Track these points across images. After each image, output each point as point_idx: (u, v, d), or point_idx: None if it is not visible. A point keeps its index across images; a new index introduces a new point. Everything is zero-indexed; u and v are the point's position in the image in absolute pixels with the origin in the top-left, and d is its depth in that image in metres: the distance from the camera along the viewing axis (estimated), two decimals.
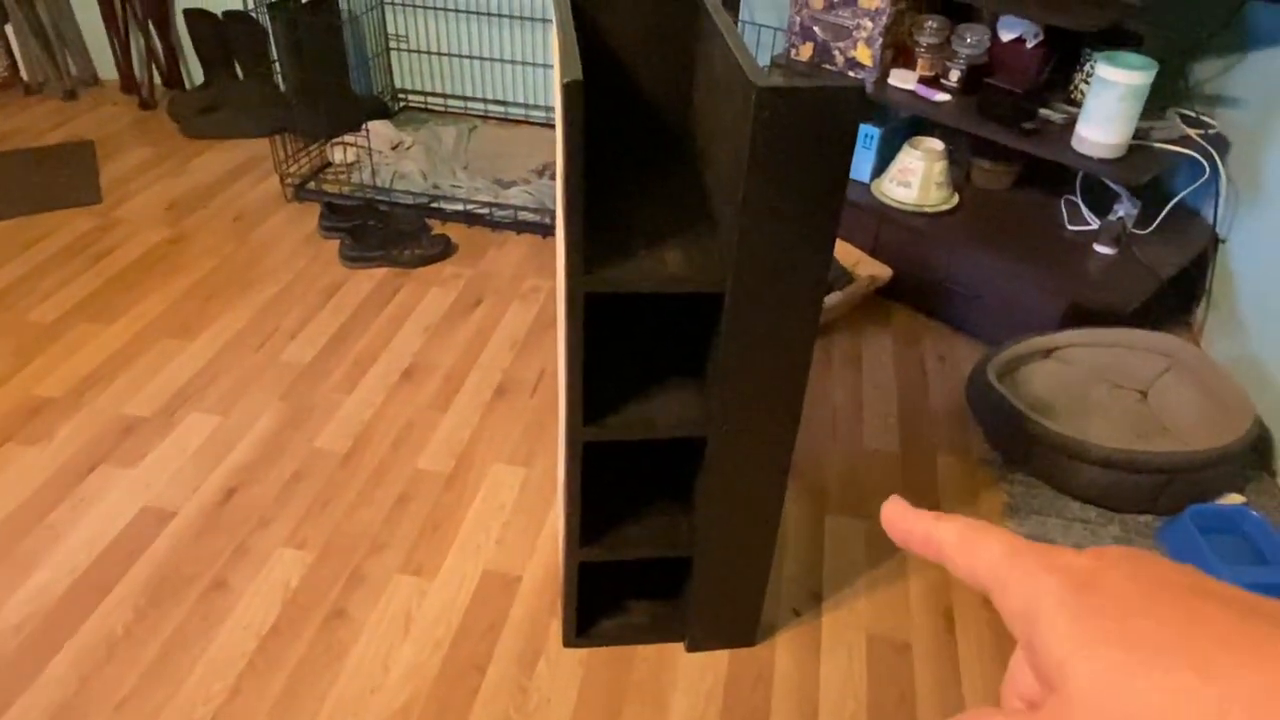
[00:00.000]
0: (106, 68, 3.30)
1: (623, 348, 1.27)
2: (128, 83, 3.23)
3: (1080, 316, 1.98)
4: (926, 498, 1.75)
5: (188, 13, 3.01)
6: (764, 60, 2.38)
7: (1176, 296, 2.20)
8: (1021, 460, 1.79)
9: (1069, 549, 0.26)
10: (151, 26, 3.14)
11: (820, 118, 0.92)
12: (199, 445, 1.77)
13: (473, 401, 1.92)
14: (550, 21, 2.88)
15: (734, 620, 1.42)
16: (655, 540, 1.31)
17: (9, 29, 3.17)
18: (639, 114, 1.28)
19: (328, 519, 1.63)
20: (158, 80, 3.26)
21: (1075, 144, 1.95)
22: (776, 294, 1.04)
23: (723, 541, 1.29)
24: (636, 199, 1.19)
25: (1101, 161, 1.93)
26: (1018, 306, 2.06)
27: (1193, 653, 0.21)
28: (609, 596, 1.49)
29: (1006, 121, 2.07)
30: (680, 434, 1.17)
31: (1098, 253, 2.10)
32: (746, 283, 1.03)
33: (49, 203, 2.55)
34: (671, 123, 1.28)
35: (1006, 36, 2.18)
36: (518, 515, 1.66)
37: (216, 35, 3.04)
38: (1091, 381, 1.93)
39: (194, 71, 3.25)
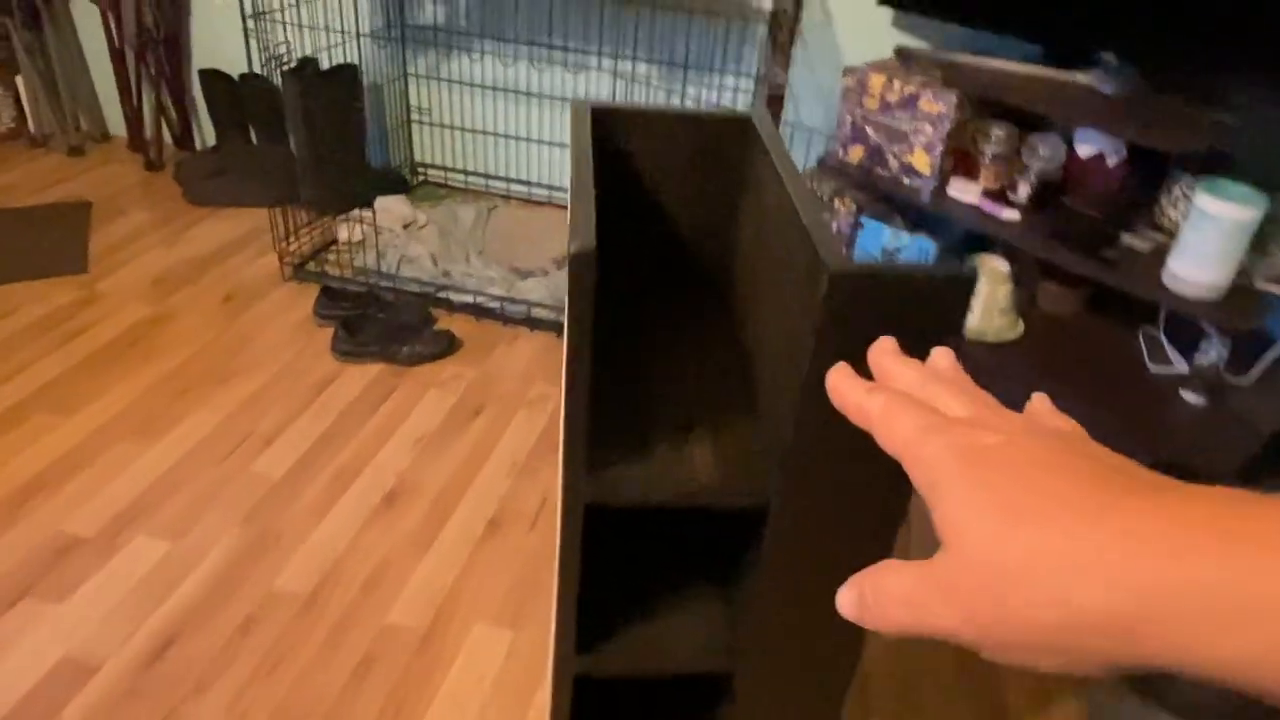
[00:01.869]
0: (118, 124, 3.16)
1: (626, 543, 1.02)
2: (136, 141, 3.08)
3: (1170, 477, 1.71)
4: (989, 699, 1.47)
5: (203, 73, 2.87)
6: (809, 161, 2.18)
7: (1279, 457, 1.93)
8: None
9: (979, 425, 0.30)
10: (165, 84, 3.00)
11: (911, 311, 0.68)
12: (140, 578, 1.53)
13: (461, 537, 1.67)
14: None
15: None
16: None
17: (19, 80, 3.04)
18: (670, 243, 1.05)
19: (276, 685, 1.37)
20: (169, 139, 3.11)
21: (1167, 280, 1.71)
22: (837, 516, 0.79)
23: None
24: (660, 357, 0.95)
25: (1198, 303, 1.68)
26: None
27: (1059, 517, 0.25)
28: None
29: (1084, 248, 1.83)
30: (700, 669, 0.91)
31: (1186, 401, 1.84)
32: (798, 501, 0.78)
33: (30, 270, 2.37)
34: (708, 259, 1.05)
35: (1084, 152, 1.96)
36: (499, 693, 1.39)
37: (231, 97, 2.89)
38: None
39: (207, 132, 3.10)
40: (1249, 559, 0.23)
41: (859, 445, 0.68)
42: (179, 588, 1.52)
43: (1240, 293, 1.70)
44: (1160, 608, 0.23)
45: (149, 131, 3.07)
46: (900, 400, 0.33)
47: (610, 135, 0.97)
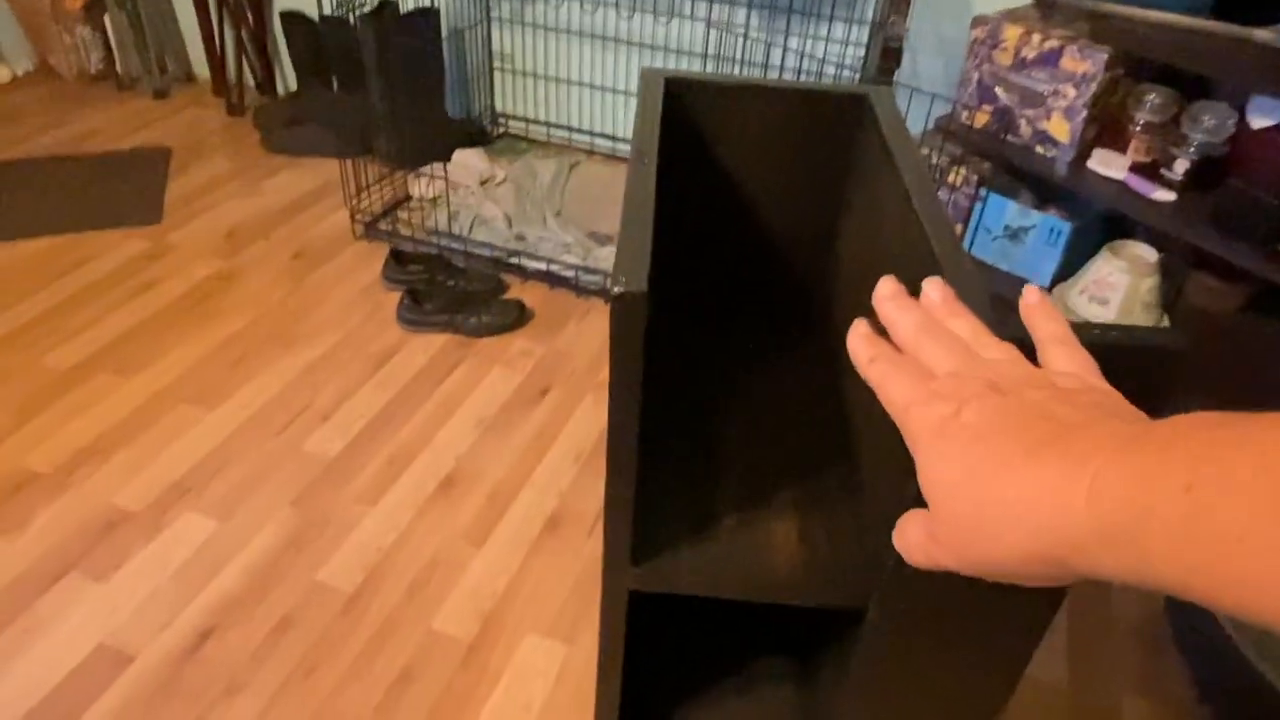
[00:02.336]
0: (203, 66, 3.10)
1: (684, 610, 0.86)
2: (219, 84, 3.01)
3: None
4: None
5: (284, 15, 2.76)
6: (926, 125, 1.93)
7: None
8: None
9: (944, 394, 0.34)
10: (246, 26, 2.91)
11: None
12: (184, 560, 1.46)
13: (516, 535, 1.55)
14: (673, 52, 2.49)
15: None
16: None
17: (108, 20, 3.00)
18: (758, 251, 0.87)
19: (310, 695, 1.28)
20: (252, 83, 3.04)
21: None
22: (954, 637, 0.61)
23: None
24: (738, 402, 0.78)
25: None
26: None
27: (990, 479, 0.30)
28: None
29: (1253, 238, 1.55)
30: None
31: None
32: (907, 614, 0.60)
33: (105, 219, 2.33)
34: (804, 273, 0.87)
35: (1259, 123, 1.66)
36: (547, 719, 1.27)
37: (311, 41, 2.78)
38: None
39: (290, 77, 3.01)
40: (1108, 500, 0.27)
41: None
42: (221, 573, 1.45)
43: None
44: (1060, 542, 0.28)
45: (232, 75, 3.01)
46: (891, 371, 0.37)
47: (690, 112, 0.78)
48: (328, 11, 2.26)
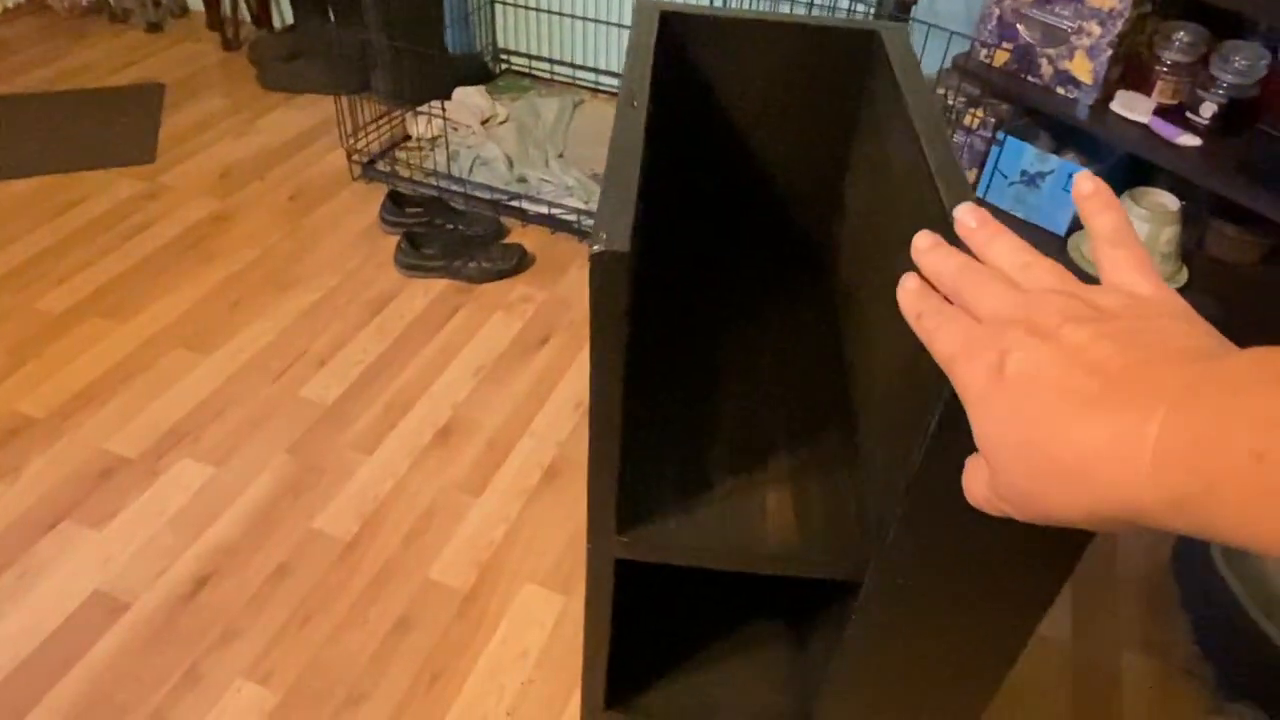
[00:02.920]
0: None
1: (670, 575, 0.84)
2: (213, 18, 2.92)
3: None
4: (1106, 709, 1.27)
5: None
6: (943, 63, 1.85)
7: None
8: (1247, 685, 1.27)
9: (985, 342, 0.33)
10: None
11: None
12: (180, 507, 1.45)
13: (514, 484, 1.53)
14: None
15: None
16: None
17: None
18: (760, 199, 0.82)
19: (306, 642, 1.28)
20: (247, 17, 2.95)
21: None
22: (955, 609, 0.58)
23: None
24: (735, 362, 0.74)
25: None
26: None
27: (1043, 444, 0.30)
28: None
29: None
30: None
31: None
32: (904, 585, 0.57)
33: (97, 159, 2.28)
34: (809, 224, 0.82)
35: None
36: (542, 670, 1.27)
37: None
38: None
39: (285, 10, 2.92)
40: (1173, 469, 0.26)
41: (998, 522, 0.46)
42: (218, 520, 1.44)
43: None
44: (1125, 507, 0.28)
45: (226, 9, 2.91)
46: (936, 324, 0.36)
47: (687, 49, 0.73)
48: None
